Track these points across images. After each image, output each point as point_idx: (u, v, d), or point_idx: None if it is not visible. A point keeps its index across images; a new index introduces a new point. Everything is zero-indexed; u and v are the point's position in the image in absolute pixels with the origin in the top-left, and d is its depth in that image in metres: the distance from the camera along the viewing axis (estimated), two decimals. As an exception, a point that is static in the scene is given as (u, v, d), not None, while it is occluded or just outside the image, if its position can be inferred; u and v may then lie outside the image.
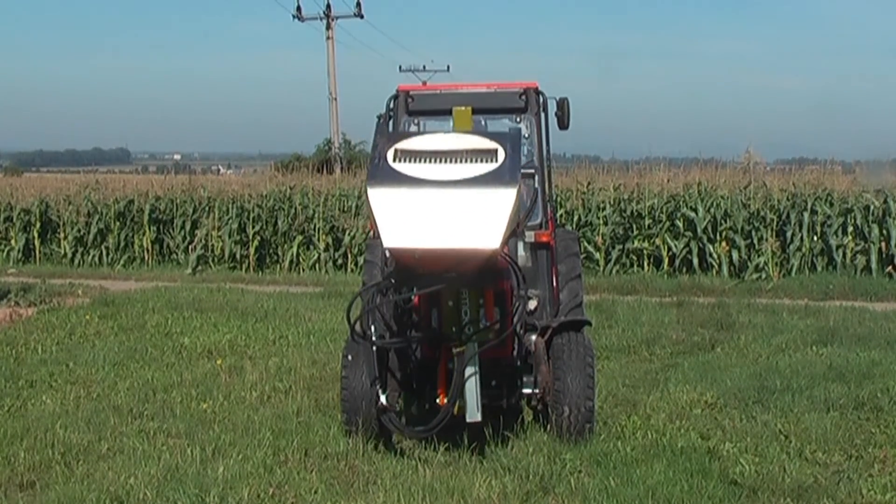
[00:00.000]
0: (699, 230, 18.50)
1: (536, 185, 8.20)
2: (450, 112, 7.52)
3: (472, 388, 6.57)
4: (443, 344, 6.80)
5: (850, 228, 18.27)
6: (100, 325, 12.84)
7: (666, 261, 18.56)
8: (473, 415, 6.66)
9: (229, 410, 8.42)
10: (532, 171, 8.16)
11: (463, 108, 7.07)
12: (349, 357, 7.19)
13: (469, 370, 6.54)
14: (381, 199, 5.95)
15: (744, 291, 16.35)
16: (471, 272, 6.25)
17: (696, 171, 20.20)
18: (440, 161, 6.06)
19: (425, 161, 6.06)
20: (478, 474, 6.47)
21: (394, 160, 6.09)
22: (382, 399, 6.82)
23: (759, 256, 18.09)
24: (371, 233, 17.82)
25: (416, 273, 6.37)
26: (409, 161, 6.08)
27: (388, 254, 6.68)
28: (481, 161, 6.04)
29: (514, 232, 6.50)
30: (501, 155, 6.06)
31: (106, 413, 8.29)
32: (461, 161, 6.05)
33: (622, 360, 10.69)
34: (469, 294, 6.53)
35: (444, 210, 5.88)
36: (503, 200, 5.89)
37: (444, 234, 5.86)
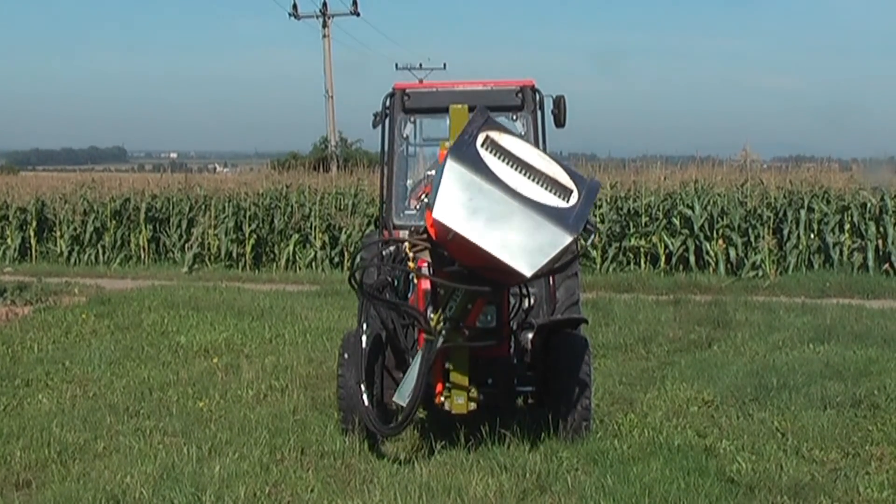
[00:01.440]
0: (696, 228, 18.50)
1: None
2: (446, 110, 7.50)
3: (416, 376, 6.63)
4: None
5: (847, 226, 18.31)
6: (96, 323, 12.82)
7: (663, 259, 18.57)
8: (402, 398, 6.75)
9: (226, 409, 8.42)
10: None
11: (460, 106, 7.06)
12: (345, 355, 7.19)
13: (427, 361, 6.59)
14: (455, 175, 5.95)
15: (740, 289, 16.36)
16: (485, 278, 6.30)
17: (693, 169, 20.23)
18: (521, 171, 6.06)
19: (508, 163, 6.06)
20: (474, 472, 6.47)
21: (482, 145, 6.08)
22: (365, 398, 6.86)
23: (755, 254, 18.10)
24: (368, 230, 17.88)
25: (439, 252, 6.45)
26: (495, 155, 6.07)
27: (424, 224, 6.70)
28: (555, 193, 6.05)
29: (546, 273, 6.50)
30: (575, 198, 6.07)
31: (102, 412, 8.28)
32: (538, 182, 6.05)
33: (619, 358, 10.69)
34: (464, 292, 6.52)
35: (501, 216, 5.90)
36: (557, 241, 5.94)
37: (490, 237, 5.90)
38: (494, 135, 6.18)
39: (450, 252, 6.33)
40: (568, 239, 5.98)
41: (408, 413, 6.69)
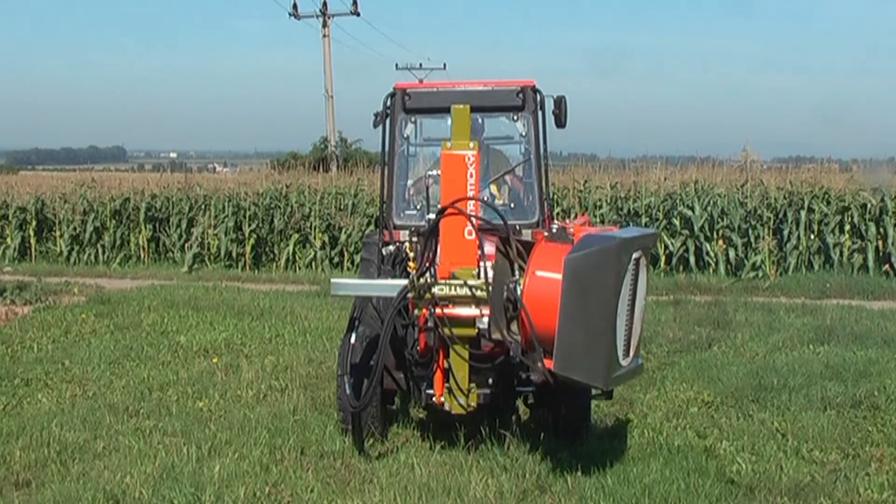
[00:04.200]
0: (696, 228, 18.50)
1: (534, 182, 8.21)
2: (447, 110, 7.49)
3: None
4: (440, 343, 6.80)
5: (847, 227, 18.30)
6: (96, 323, 12.82)
7: (663, 259, 18.56)
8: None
9: (225, 409, 8.41)
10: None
11: (462, 106, 7.05)
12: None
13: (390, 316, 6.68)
14: (607, 258, 5.91)
15: (741, 290, 16.36)
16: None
17: (693, 170, 20.23)
18: (628, 305, 6.12)
19: (629, 292, 6.11)
20: (474, 473, 6.47)
21: (635, 260, 6.12)
22: (347, 388, 6.92)
23: (755, 255, 18.10)
24: (368, 231, 17.87)
25: (510, 266, 6.49)
26: (630, 275, 6.11)
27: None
28: (624, 346, 6.13)
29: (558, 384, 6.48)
30: (628, 362, 6.22)
31: (102, 411, 8.28)
32: (625, 326, 6.11)
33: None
34: None
35: (588, 318, 5.90)
36: (593, 379, 6.07)
37: (566, 320, 5.90)
38: (642, 262, 6.22)
39: (525, 284, 6.24)
40: (600, 386, 6.10)
41: (372, 381, 6.75)
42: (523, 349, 6.34)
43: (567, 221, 6.91)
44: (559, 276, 5.91)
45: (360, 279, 8.48)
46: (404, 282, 6.74)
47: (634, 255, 6.07)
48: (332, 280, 7.05)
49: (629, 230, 6.58)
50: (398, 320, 7.16)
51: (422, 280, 6.61)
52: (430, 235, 6.79)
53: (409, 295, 6.64)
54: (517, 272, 6.52)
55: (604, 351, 5.87)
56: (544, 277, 6.11)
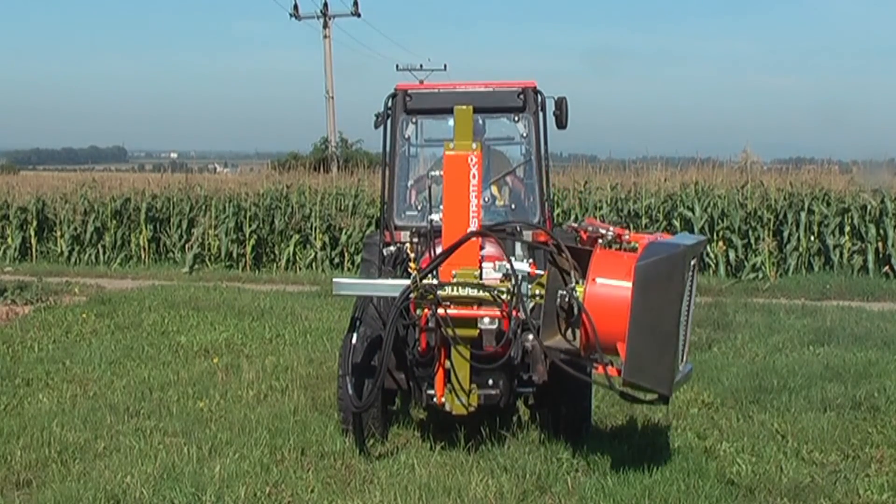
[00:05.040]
0: (696, 230, 18.48)
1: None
2: (448, 111, 7.50)
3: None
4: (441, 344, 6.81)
5: (847, 228, 18.31)
6: (96, 323, 12.83)
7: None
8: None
9: (226, 409, 8.42)
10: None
11: (464, 107, 7.06)
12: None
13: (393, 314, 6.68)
14: (672, 265, 5.96)
15: (741, 291, 16.36)
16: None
17: (693, 171, 20.23)
18: (685, 311, 6.18)
19: (687, 296, 6.19)
20: (474, 473, 6.47)
21: (691, 267, 6.22)
22: (350, 388, 6.93)
23: (755, 256, 18.11)
24: (368, 231, 17.86)
25: (562, 272, 6.51)
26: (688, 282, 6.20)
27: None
28: (682, 352, 6.25)
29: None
30: (682, 367, 6.29)
31: (102, 411, 8.28)
32: (682, 332, 6.18)
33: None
34: None
35: (651, 324, 5.94)
36: (656, 384, 6.08)
37: (634, 324, 5.94)
38: (696, 266, 6.29)
39: (585, 291, 6.21)
40: (661, 392, 6.09)
41: (375, 382, 6.73)
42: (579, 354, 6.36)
43: (578, 225, 6.93)
44: (623, 283, 5.97)
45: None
46: (406, 281, 6.74)
47: (692, 262, 6.17)
48: (334, 280, 7.06)
49: (685, 237, 6.64)
50: (399, 321, 7.17)
51: (424, 280, 6.61)
52: (430, 240, 6.82)
53: (412, 295, 6.64)
54: (571, 280, 6.50)
55: (670, 358, 5.94)
56: (607, 284, 6.14)
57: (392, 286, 6.87)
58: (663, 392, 6.10)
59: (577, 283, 6.34)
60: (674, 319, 5.90)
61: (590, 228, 6.65)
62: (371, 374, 7.04)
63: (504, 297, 6.53)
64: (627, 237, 6.50)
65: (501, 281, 6.59)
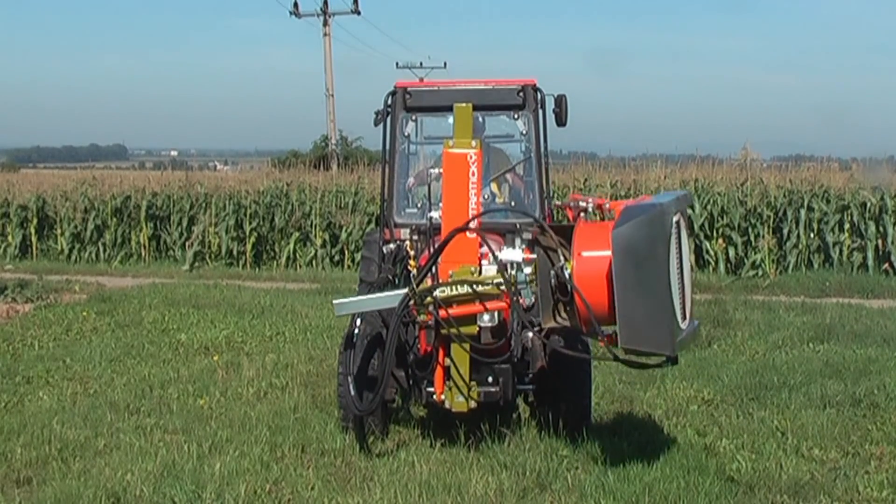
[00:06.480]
0: (696, 227, 18.50)
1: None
2: (447, 109, 7.51)
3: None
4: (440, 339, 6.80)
5: (847, 226, 18.31)
6: (97, 321, 12.83)
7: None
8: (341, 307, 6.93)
9: (226, 407, 8.42)
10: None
11: (464, 104, 7.06)
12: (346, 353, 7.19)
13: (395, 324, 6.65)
14: (652, 227, 5.89)
15: (740, 288, 16.37)
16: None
17: (693, 168, 20.25)
18: (678, 270, 6.14)
19: (676, 254, 6.13)
20: (475, 471, 6.48)
21: (675, 223, 6.15)
22: (352, 388, 6.91)
23: (755, 253, 18.11)
24: (368, 229, 17.88)
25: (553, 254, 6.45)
26: (675, 239, 6.13)
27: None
28: (681, 309, 6.13)
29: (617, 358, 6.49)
30: (687, 324, 6.21)
31: (103, 409, 8.29)
32: (679, 291, 6.12)
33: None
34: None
35: (646, 287, 5.89)
36: (660, 347, 5.98)
37: (625, 293, 5.89)
38: (682, 223, 6.21)
39: (573, 267, 6.18)
40: (667, 353, 5.99)
41: (379, 386, 6.71)
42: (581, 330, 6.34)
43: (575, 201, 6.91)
44: (607, 253, 5.92)
45: (361, 279, 8.52)
46: (404, 291, 6.70)
47: (675, 219, 6.08)
48: (335, 302, 6.98)
49: (665, 195, 6.57)
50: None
51: (422, 285, 6.59)
52: (429, 237, 6.81)
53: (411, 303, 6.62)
54: (560, 259, 6.45)
55: (666, 318, 5.86)
56: (592, 257, 6.11)
57: (392, 297, 6.81)
58: (666, 353, 6.02)
59: (566, 260, 6.30)
60: (663, 279, 5.82)
61: (572, 204, 6.65)
62: (371, 372, 7.05)
63: (502, 287, 6.50)
64: (608, 206, 6.45)
65: (499, 272, 6.56)
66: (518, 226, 7.27)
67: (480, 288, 6.49)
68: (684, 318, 6.18)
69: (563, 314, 6.41)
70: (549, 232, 6.43)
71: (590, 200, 6.57)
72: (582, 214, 6.49)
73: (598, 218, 6.91)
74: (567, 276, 6.19)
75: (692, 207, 18.64)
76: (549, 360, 7.28)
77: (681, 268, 6.17)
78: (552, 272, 6.35)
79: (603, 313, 6.06)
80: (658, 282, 5.82)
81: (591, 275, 6.09)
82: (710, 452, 6.96)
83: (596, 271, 6.06)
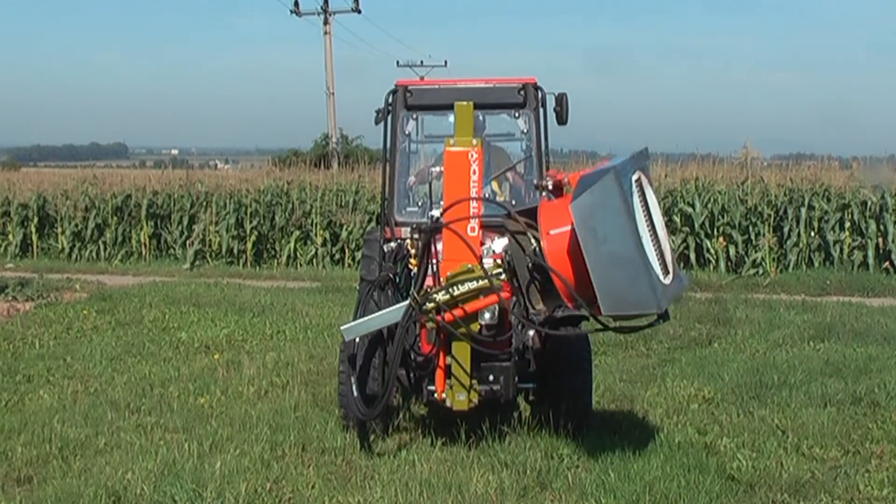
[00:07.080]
0: (696, 225, 18.51)
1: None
2: (448, 107, 7.51)
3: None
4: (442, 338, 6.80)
5: (848, 224, 18.32)
6: (97, 319, 12.83)
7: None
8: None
9: (227, 405, 8.42)
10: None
11: (465, 103, 7.05)
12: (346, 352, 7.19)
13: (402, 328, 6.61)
14: (607, 192, 5.83)
15: (741, 287, 16.38)
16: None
17: (694, 167, 20.23)
18: (648, 227, 6.07)
19: (643, 212, 6.08)
20: (475, 469, 6.47)
21: (635, 182, 6.10)
22: (354, 389, 6.89)
23: (756, 252, 18.12)
24: (369, 227, 17.90)
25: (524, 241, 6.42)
26: (638, 197, 6.08)
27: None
28: (661, 265, 6.05)
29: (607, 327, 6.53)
30: (670, 280, 6.13)
31: (103, 408, 8.29)
32: (654, 247, 6.05)
33: (619, 356, 10.70)
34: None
35: (617, 252, 5.86)
36: (645, 306, 5.94)
37: (597, 261, 5.86)
38: (644, 180, 6.16)
39: (544, 248, 6.19)
40: (653, 311, 5.96)
41: (384, 393, 6.71)
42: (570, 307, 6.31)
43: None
44: (571, 227, 5.91)
45: (361, 278, 8.52)
46: (405, 303, 6.69)
47: (633, 178, 6.04)
48: (342, 328, 6.91)
49: (617, 158, 6.55)
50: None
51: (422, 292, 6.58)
52: (429, 239, 6.80)
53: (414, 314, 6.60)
54: (532, 241, 6.43)
55: (643, 277, 5.80)
56: (559, 233, 6.11)
57: (396, 312, 6.75)
58: (652, 310, 5.99)
59: (538, 242, 6.30)
60: (630, 241, 5.77)
61: (544, 182, 6.64)
62: (372, 371, 7.05)
63: (503, 277, 6.49)
64: (566, 180, 6.45)
65: (496, 264, 6.56)
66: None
67: (479, 283, 6.47)
68: (666, 272, 6.11)
69: (553, 295, 6.39)
70: (514, 215, 6.44)
71: (548, 179, 6.59)
72: (543, 193, 6.51)
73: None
74: (540, 256, 6.20)
75: (692, 206, 18.65)
76: (549, 359, 7.28)
77: (651, 224, 6.11)
78: (528, 256, 6.35)
79: (584, 287, 6.01)
80: (626, 244, 5.77)
81: (561, 251, 6.09)
82: (710, 451, 6.96)
83: (564, 247, 6.06)
